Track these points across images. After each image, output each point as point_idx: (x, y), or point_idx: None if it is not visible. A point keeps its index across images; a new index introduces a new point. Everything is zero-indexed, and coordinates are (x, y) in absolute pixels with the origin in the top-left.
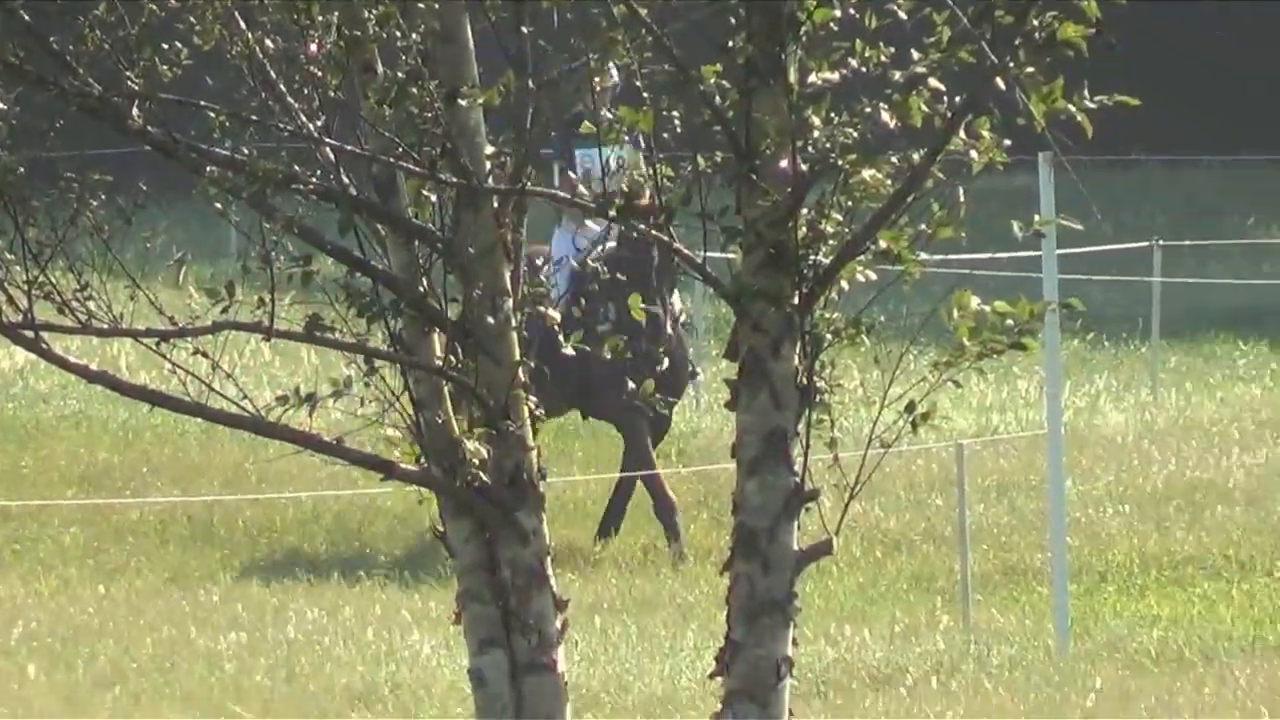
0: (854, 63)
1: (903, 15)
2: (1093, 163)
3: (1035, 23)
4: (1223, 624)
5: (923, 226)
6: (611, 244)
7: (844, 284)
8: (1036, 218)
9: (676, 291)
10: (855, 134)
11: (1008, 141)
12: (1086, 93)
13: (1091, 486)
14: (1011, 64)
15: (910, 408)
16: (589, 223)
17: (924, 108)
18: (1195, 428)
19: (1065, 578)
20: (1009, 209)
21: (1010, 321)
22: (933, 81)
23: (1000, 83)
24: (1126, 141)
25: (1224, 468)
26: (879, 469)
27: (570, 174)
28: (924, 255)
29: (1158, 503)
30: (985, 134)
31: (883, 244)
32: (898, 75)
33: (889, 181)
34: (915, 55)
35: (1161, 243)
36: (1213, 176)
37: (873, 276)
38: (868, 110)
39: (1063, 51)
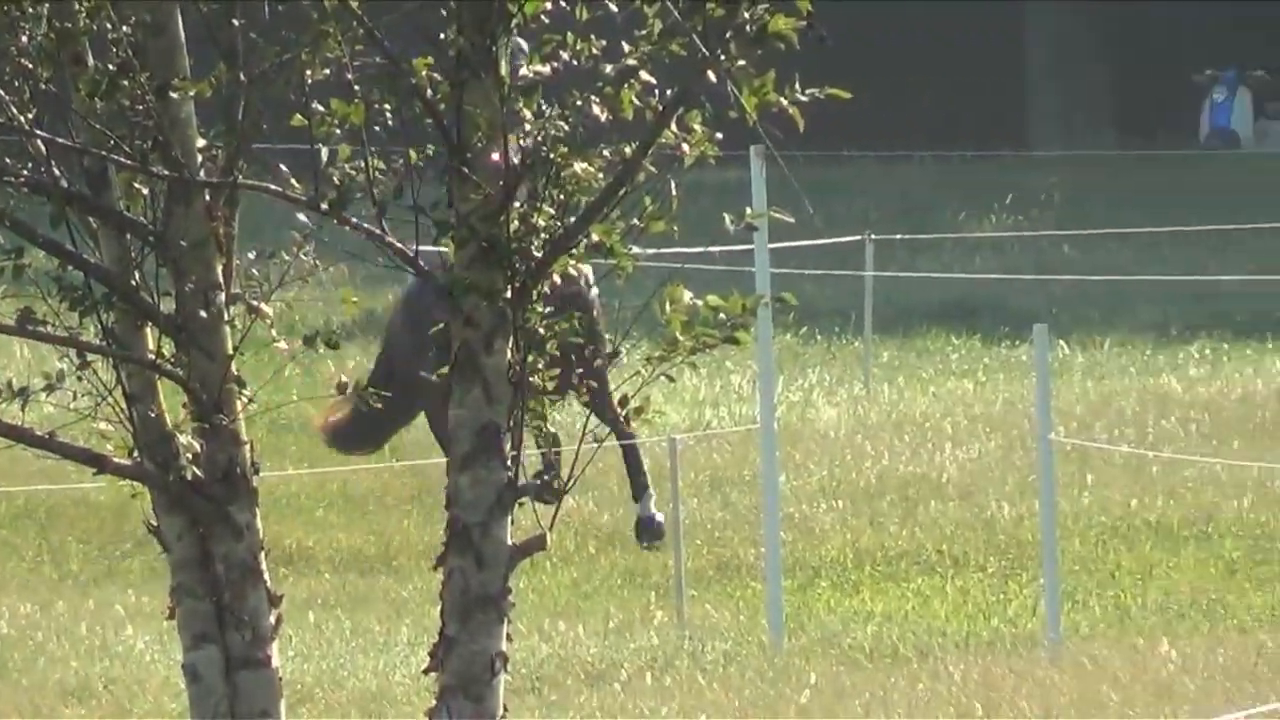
0: (565, 55)
1: (614, 8)
2: (805, 157)
3: (747, 15)
4: (937, 619)
5: (635, 220)
6: None
7: (556, 278)
8: (748, 211)
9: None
10: (567, 127)
11: (719, 135)
12: (798, 86)
13: (805, 482)
14: (723, 57)
15: (623, 402)
16: None
17: (635, 101)
18: (908, 422)
19: (779, 573)
20: (721, 202)
21: (723, 316)
22: (644, 74)
23: (712, 76)
24: (839, 136)
25: (937, 463)
26: (593, 464)
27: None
28: (636, 249)
29: (871, 498)
30: (697, 127)
31: (595, 237)
32: (609, 68)
33: (601, 175)
34: (626, 48)
35: (874, 237)
36: (925, 171)
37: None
38: (579, 103)
39: (774, 44)
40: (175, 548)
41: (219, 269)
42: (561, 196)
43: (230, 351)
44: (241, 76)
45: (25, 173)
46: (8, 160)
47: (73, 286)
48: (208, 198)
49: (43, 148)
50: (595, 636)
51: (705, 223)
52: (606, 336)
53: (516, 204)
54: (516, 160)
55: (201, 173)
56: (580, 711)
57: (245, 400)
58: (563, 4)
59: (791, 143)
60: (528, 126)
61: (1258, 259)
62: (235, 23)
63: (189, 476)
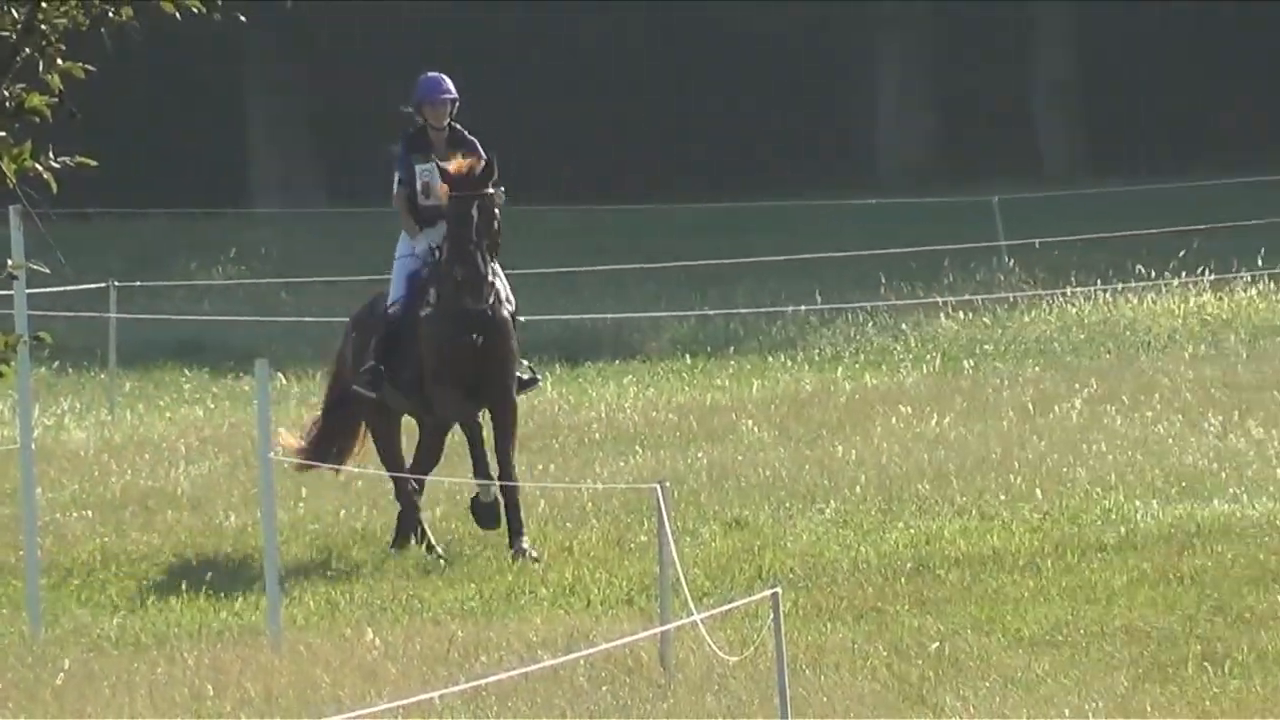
0: None
1: None
2: (57, 214)
3: (6, 93)
4: (173, 613)
5: None
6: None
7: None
8: (9, 262)
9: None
10: None
11: None
12: (52, 154)
13: (59, 494)
14: None
15: None
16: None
17: None
18: (148, 443)
19: (37, 574)
20: None
21: None
22: None
23: None
24: (88, 195)
25: (173, 477)
26: None
27: (405, 185)
28: None
29: (116, 508)
30: None
31: None
32: None
33: None
34: None
35: (117, 284)
36: (160, 227)
37: None
38: None
39: (31, 118)
40: None
41: None
42: None
43: None
44: None
45: None
46: None
47: None
48: None
49: None
50: None
51: None
52: (522, 360)
53: None
54: None
55: None
56: None
57: None
58: None
59: (46, 202)
60: None
61: None
62: None
63: None
